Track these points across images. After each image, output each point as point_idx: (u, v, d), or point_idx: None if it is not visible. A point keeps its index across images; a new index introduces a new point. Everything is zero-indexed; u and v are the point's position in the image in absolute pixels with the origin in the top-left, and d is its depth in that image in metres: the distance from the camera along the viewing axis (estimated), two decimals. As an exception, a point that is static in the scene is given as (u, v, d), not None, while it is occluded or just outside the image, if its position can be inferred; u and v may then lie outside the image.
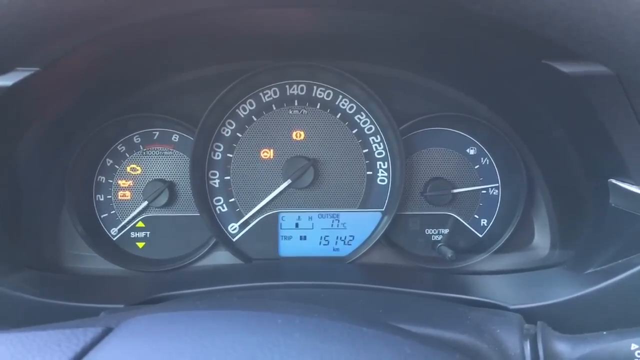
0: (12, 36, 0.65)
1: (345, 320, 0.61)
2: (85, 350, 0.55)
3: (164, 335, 0.59)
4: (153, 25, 0.97)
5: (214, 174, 1.46)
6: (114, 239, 1.48)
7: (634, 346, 0.77)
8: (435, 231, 1.48)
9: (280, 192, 1.44)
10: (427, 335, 0.79)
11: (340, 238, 1.48)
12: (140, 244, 1.48)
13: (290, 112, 1.44)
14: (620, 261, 1.01)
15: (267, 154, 1.45)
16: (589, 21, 0.45)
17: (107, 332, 0.60)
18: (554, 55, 0.88)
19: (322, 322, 0.60)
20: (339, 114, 1.44)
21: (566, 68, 0.89)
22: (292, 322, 0.58)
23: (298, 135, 1.45)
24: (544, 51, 0.88)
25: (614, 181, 0.99)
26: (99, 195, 1.47)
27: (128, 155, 1.46)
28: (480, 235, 1.48)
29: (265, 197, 1.44)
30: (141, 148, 1.46)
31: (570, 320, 0.98)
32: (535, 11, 0.46)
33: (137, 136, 1.46)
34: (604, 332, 0.81)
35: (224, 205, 1.47)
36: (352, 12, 1.02)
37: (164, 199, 1.44)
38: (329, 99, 1.44)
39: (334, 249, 1.48)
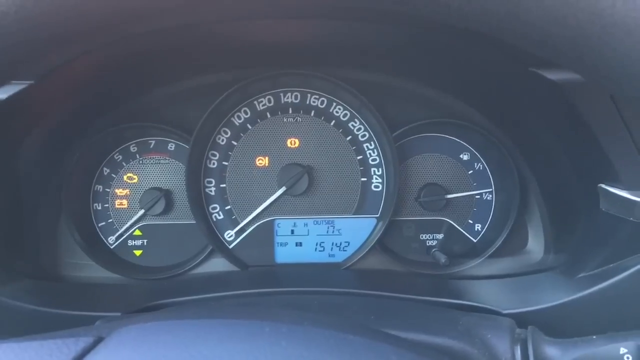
0: (6, 51, 0.66)
1: (332, 327, 0.62)
2: (76, 360, 0.56)
3: (154, 345, 0.60)
4: (148, 36, 0.98)
5: (210, 182, 1.47)
6: (112, 247, 1.49)
7: (622, 350, 0.78)
8: (429, 236, 1.49)
9: (276, 199, 1.45)
10: (417, 341, 0.80)
11: (336, 244, 1.49)
12: (138, 252, 1.49)
13: (285, 119, 1.45)
14: (611, 265, 1.02)
15: (262, 161, 1.46)
16: (564, 35, 0.46)
17: (98, 341, 0.61)
18: (540, 63, 0.89)
19: (310, 330, 0.61)
20: (333, 121, 1.45)
21: (552, 75, 0.90)
22: (280, 330, 0.59)
23: (293, 142, 1.46)
24: (530, 59, 0.89)
25: (603, 186, 1.00)
26: (97, 204, 1.48)
27: (125, 164, 1.47)
28: (475, 240, 1.49)
29: (261, 204, 1.45)
30: (137, 157, 1.47)
31: (562, 325, 0.99)
32: (510, 25, 0.47)
33: (133, 145, 1.47)
34: (594, 337, 0.82)
35: (220, 212, 1.48)
36: (343, 22, 1.04)
37: (160, 207, 1.44)
38: (322, 106, 1.45)
39: (329, 255, 1.49)
